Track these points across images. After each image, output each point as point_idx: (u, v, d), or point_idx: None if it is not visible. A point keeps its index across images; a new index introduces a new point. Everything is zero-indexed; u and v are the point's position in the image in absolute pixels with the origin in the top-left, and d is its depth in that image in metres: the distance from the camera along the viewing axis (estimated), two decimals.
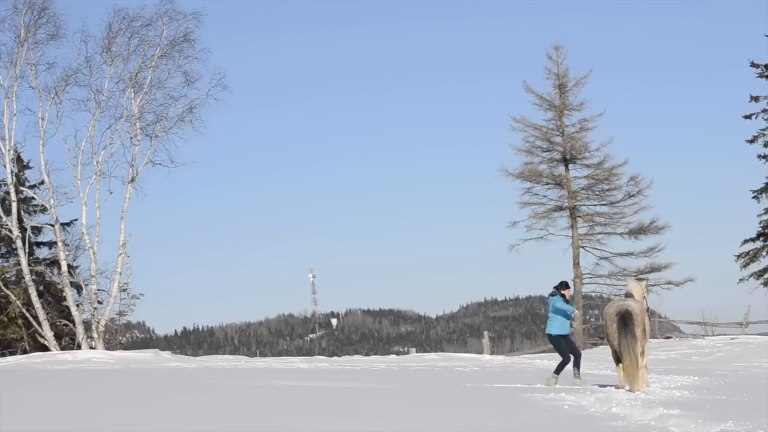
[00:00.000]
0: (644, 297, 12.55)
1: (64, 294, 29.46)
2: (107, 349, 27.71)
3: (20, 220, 29.02)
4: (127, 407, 6.93)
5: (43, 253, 32.36)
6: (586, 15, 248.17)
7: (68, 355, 23.02)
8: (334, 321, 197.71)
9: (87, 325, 28.72)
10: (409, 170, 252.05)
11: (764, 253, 37.30)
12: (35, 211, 31.69)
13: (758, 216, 37.28)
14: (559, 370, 13.39)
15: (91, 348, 27.50)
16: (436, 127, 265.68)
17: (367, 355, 56.87)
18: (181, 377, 12.97)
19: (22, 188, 30.01)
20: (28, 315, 28.71)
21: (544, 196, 35.67)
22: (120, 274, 29.21)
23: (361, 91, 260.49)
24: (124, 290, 29.81)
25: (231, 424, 6.13)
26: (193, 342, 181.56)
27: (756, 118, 36.95)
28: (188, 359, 24.83)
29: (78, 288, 29.83)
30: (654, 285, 34.32)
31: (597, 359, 23.69)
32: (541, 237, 35.28)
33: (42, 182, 29.99)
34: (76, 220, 30.72)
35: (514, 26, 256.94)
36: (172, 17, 30.00)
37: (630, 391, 11.52)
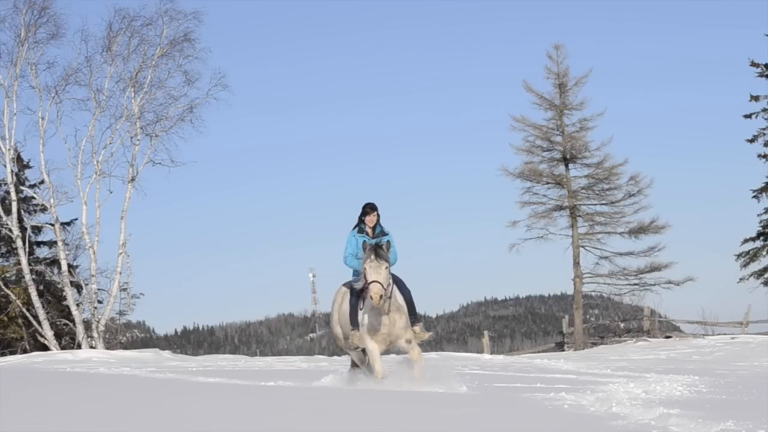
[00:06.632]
0: None
1: (64, 293, 29.51)
2: (107, 348, 27.77)
3: (20, 220, 29.07)
4: (139, 410, 6.94)
5: (43, 252, 32.47)
6: (586, 15, 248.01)
7: (68, 355, 23.05)
8: None
9: (87, 325, 28.77)
10: (409, 170, 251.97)
11: (764, 253, 37.32)
12: (35, 211, 31.76)
13: (758, 215, 37.33)
14: None
15: (92, 347, 27.56)
16: (435, 126, 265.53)
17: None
18: (182, 376, 12.98)
19: (22, 188, 30.07)
20: (28, 314, 28.76)
21: (544, 196, 35.66)
22: (120, 273, 29.33)
23: (362, 96, 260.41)
24: (124, 290, 29.92)
25: (231, 424, 6.14)
26: (193, 341, 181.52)
27: (756, 117, 36.98)
28: (188, 359, 24.87)
29: (78, 287, 29.88)
30: (654, 284, 34.41)
31: (597, 359, 23.70)
32: (541, 236, 35.26)
33: (42, 182, 30.08)
34: (76, 219, 30.84)
35: (514, 26, 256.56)
36: (172, 17, 30.15)
37: None
